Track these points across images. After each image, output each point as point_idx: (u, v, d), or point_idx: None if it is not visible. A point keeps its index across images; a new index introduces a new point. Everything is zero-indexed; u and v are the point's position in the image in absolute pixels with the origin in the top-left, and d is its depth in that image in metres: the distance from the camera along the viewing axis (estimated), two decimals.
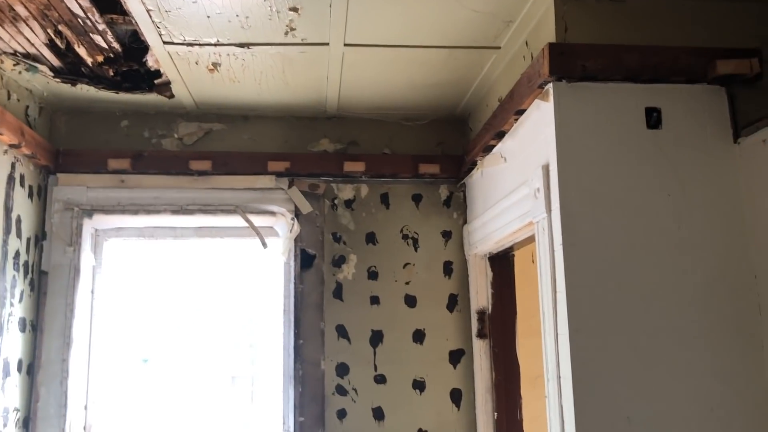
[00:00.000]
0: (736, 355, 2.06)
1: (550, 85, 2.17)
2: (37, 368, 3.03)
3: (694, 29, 2.28)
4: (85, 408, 3.17)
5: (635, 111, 2.17)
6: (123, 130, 3.32)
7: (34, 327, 3.06)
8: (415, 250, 3.36)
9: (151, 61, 2.77)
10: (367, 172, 3.34)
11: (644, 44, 2.20)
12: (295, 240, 3.29)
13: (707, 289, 2.08)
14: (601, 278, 2.06)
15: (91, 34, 2.52)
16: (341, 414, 3.16)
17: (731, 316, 2.08)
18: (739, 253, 2.12)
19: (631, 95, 2.18)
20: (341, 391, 3.18)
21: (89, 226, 3.25)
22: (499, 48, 2.67)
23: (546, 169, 2.20)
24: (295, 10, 2.35)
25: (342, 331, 3.24)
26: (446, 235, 3.39)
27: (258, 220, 3.34)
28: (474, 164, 3.14)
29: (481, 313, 3.20)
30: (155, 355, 3.45)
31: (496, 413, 3.10)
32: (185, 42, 2.59)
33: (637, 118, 2.17)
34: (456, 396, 3.23)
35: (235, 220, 3.34)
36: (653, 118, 2.17)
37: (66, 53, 2.67)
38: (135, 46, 2.65)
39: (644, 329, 2.04)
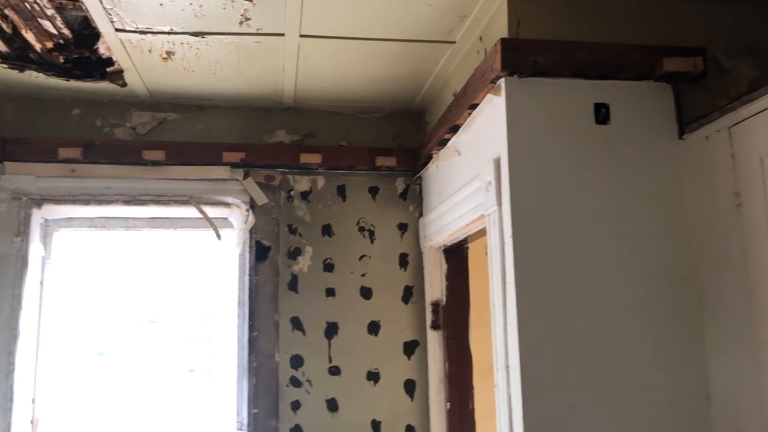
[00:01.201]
0: (678, 345, 2.12)
1: (502, 80, 2.20)
2: None
3: (642, 27, 2.33)
4: (33, 401, 3.11)
5: (584, 106, 2.22)
6: (74, 118, 3.26)
7: None
8: (372, 242, 3.37)
9: (102, 49, 2.72)
10: (324, 164, 3.33)
11: (594, 41, 2.25)
12: (250, 232, 3.27)
13: (651, 281, 2.14)
14: (550, 270, 2.10)
15: (39, 20, 2.46)
16: (295, 405, 3.16)
17: (673, 307, 2.14)
18: (682, 246, 2.18)
19: (581, 91, 2.22)
20: (295, 382, 3.18)
21: (38, 216, 3.18)
22: (454, 42, 2.69)
23: (497, 162, 2.23)
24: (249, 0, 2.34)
25: (297, 323, 3.24)
26: (402, 227, 3.41)
27: (212, 212, 3.32)
28: (430, 157, 3.17)
29: (435, 305, 3.23)
30: (110, 348, 3.40)
31: (448, 403, 3.14)
32: (138, 30, 2.55)
33: (586, 113, 2.21)
34: (410, 386, 3.26)
35: (189, 211, 3.30)
36: (602, 113, 2.21)
37: (13, 38, 2.60)
38: (86, 32, 2.60)
39: (590, 320, 2.09)
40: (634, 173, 2.20)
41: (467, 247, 3.24)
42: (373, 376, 3.24)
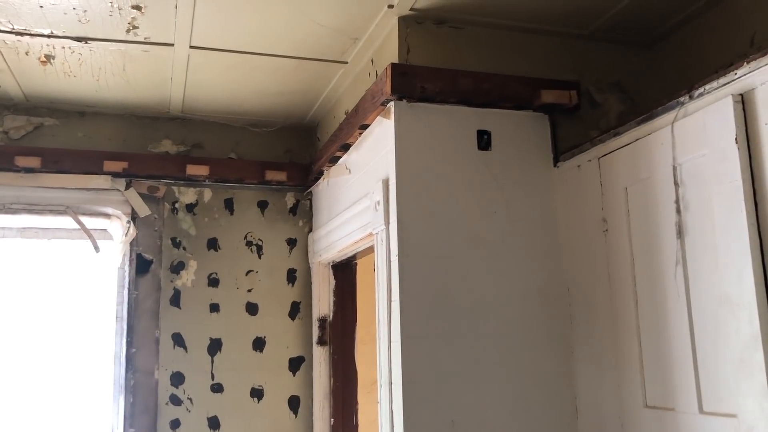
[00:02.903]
0: (550, 360, 2.25)
1: (392, 103, 2.26)
2: None
3: (523, 60, 2.47)
4: None
5: (468, 132, 2.31)
6: None
7: None
8: (259, 257, 3.34)
9: None
10: (212, 176, 3.27)
11: (479, 70, 2.36)
12: (131, 244, 3.16)
13: (526, 300, 2.26)
14: (433, 288, 2.17)
15: None
16: (175, 424, 3.07)
17: (546, 325, 2.27)
18: (555, 266, 2.32)
19: (465, 117, 2.32)
20: (175, 400, 3.09)
21: None
22: (346, 63, 2.73)
23: (386, 183, 2.28)
24: (138, 8, 2.27)
25: (178, 340, 3.15)
26: (291, 242, 3.41)
27: (91, 222, 3.18)
28: (321, 173, 3.19)
29: (323, 321, 3.25)
30: None
31: (332, 419, 3.16)
32: (14, 30, 2.41)
33: (469, 139, 2.31)
34: (294, 403, 3.25)
35: (66, 222, 3.15)
36: (484, 140, 2.32)
37: None
38: None
39: (471, 337, 2.18)
40: (513, 198, 2.31)
41: (356, 264, 3.28)
42: (257, 393, 3.21)
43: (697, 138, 1.76)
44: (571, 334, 2.28)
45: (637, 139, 2.00)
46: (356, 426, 3.16)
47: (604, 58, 2.59)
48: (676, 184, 1.83)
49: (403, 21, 2.34)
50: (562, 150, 2.38)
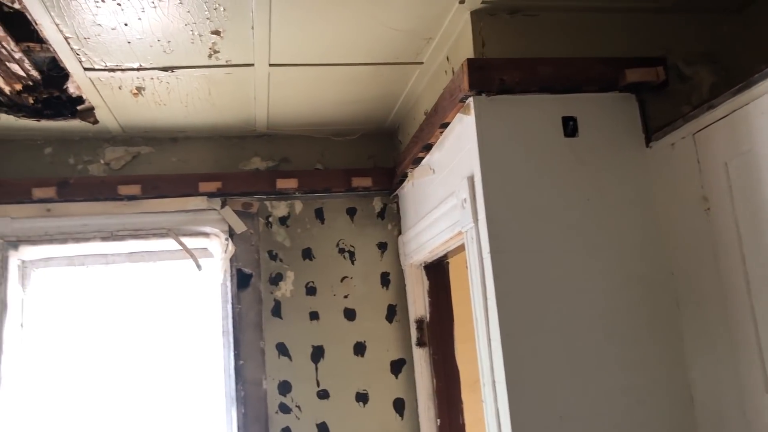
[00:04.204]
0: (659, 349, 2.16)
1: (471, 99, 2.24)
2: None
3: (604, 40, 2.39)
4: None
5: (552, 120, 2.26)
6: (47, 157, 3.25)
7: None
8: (352, 263, 3.39)
9: (72, 88, 2.72)
10: (300, 188, 3.35)
11: (558, 56, 2.30)
12: (231, 260, 3.28)
13: (628, 288, 2.18)
14: (529, 283, 2.13)
15: (6, 63, 2.46)
16: None
17: (652, 313, 2.18)
18: (656, 251, 2.23)
19: (548, 105, 2.26)
20: (284, 409, 3.18)
21: (15, 257, 3.15)
22: (421, 63, 2.73)
23: (471, 180, 2.26)
24: (217, 33, 2.36)
25: (282, 349, 3.24)
26: (382, 246, 3.44)
27: (192, 242, 3.31)
28: (405, 176, 3.20)
29: (420, 322, 3.25)
30: (95, 384, 3.37)
31: (438, 420, 3.15)
32: (107, 68, 2.55)
33: (554, 127, 2.26)
34: (399, 405, 3.27)
35: (169, 244, 3.30)
36: (570, 126, 2.26)
37: None
38: (54, 73, 2.61)
39: (572, 329, 2.12)
40: (605, 183, 2.24)
41: (448, 263, 3.27)
42: (362, 398, 3.25)
43: None
44: (679, 320, 2.18)
45: (734, 111, 1.89)
46: (463, 425, 3.14)
47: (690, 29, 2.46)
48: None
49: (475, 15, 2.32)
50: (653, 129, 2.29)
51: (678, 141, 2.14)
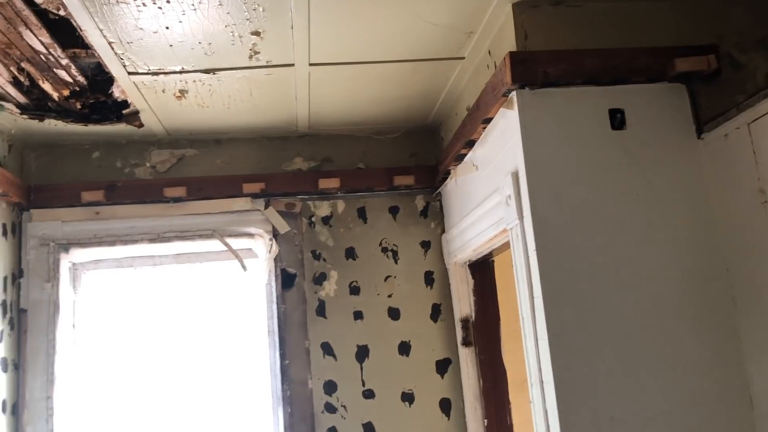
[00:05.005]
0: (714, 348, 2.08)
1: (514, 93, 2.19)
2: (22, 408, 3.00)
3: (651, 29, 2.31)
4: None
5: (599, 113, 2.20)
6: (95, 161, 3.31)
7: (16, 366, 3.03)
8: (396, 262, 3.37)
9: (117, 92, 2.77)
10: (343, 188, 3.35)
11: (603, 47, 2.23)
12: (275, 260, 3.29)
13: (681, 285, 2.11)
14: (577, 281, 2.08)
15: (54, 69, 2.51)
16: None
17: (707, 310, 2.10)
18: (709, 246, 2.14)
19: (594, 98, 2.20)
20: (330, 408, 3.18)
21: (66, 260, 3.23)
22: (463, 58, 2.69)
23: (515, 176, 2.22)
24: (257, 34, 2.36)
25: (327, 349, 3.24)
26: (425, 245, 3.41)
27: (236, 243, 3.34)
28: (448, 173, 3.16)
29: (465, 321, 3.21)
30: (145, 383, 3.43)
31: (486, 420, 3.11)
32: (150, 71, 2.58)
33: (601, 120, 2.19)
34: (445, 405, 3.23)
35: (214, 245, 3.33)
36: (617, 119, 2.19)
37: (31, 89, 2.66)
38: (100, 78, 2.65)
39: (622, 328, 2.06)
40: (655, 176, 2.17)
41: (493, 261, 3.22)
42: (408, 397, 3.23)
43: None
44: (736, 318, 2.09)
45: None
46: (511, 426, 3.09)
47: (743, 14, 2.36)
48: None
49: (517, 7, 2.26)
50: (705, 120, 2.20)
51: (732, 131, 2.06)
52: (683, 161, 2.19)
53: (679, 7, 2.34)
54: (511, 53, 2.17)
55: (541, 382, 2.09)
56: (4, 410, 2.90)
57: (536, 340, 2.11)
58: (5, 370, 2.93)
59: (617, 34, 2.29)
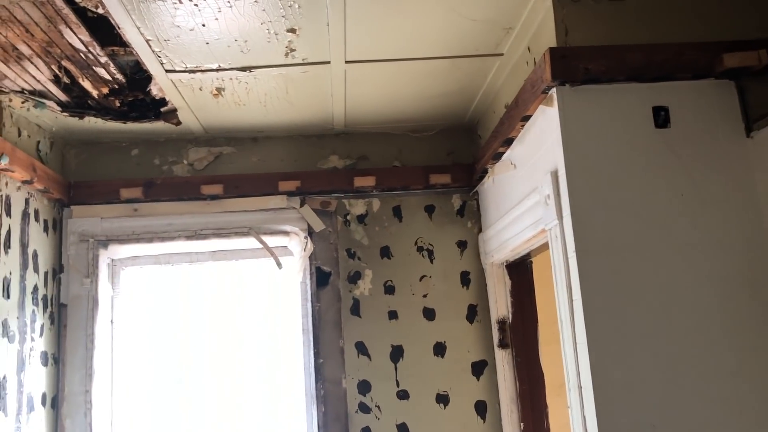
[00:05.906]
0: (763, 356, 1.99)
1: (554, 89, 2.14)
2: (61, 401, 3.05)
3: (697, 24, 2.23)
4: None
5: (642, 111, 2.13)
6: (133, 159, 3.35)
7: (56, 360, 3.08)
8: (431, 261, 3.33)
9: (155, 90, 2.78)
10: (378, 186, 3.32)
11: (647, 42, 2.16)
12: (310, 258, 3.28)
13: (727, 289, 2.03)
14: (618, 284, 2.01)
15: (94, 68, 2.54)
16: None
17: (754, 315, 2.02)
18: (759, 249, 2.06)
19: (637, 95, 2.13)
20: (364, 408, 3.16)
21: (105, 256, 3.27)
22: (501, 55, 2.64)
23: (555, 175, 2.16)
24: (293, 31, 2.35)
25: (362, 348, 3.21)
26: (462, 244, 3.36)
27: (272, 241, 3.34)
28: (485, 172, 3.11)
29: (502, 323, 3.16)
30: (181, 378, 3.46)
31: (522, 424, 3.05)
32: (187, 69, 2.59)
33: (644, 117, 2.12)
34: (481, 408, 3.19)
35: (250, 242, 3.34)
36: (661, 116, 2.12)
37: (71, 87, 2.69)
38: (138, 76, 2.67)
39: (665, 334, 1.99)
40: (701, 177, 2.09)
41: (531, 262, 3.16)
42: (443, 399, 3.19)
43: None
44: None
45: None
46: (548, 430, 3.02)
47: None
48: None
49: (557, 2, 2.20)
50: (754, 118, 2.12)
51: None
52: (731, 161, 2.11)
53: (726, 1, 2.25)
54: (551, 49, 2.11)
55: (580, 387, 2.04)
56: (43, 403, 2.95)
57: (575, 343, 2.06)
58: (45, 364, 2.98)
59: (662, 28, 2.22)
